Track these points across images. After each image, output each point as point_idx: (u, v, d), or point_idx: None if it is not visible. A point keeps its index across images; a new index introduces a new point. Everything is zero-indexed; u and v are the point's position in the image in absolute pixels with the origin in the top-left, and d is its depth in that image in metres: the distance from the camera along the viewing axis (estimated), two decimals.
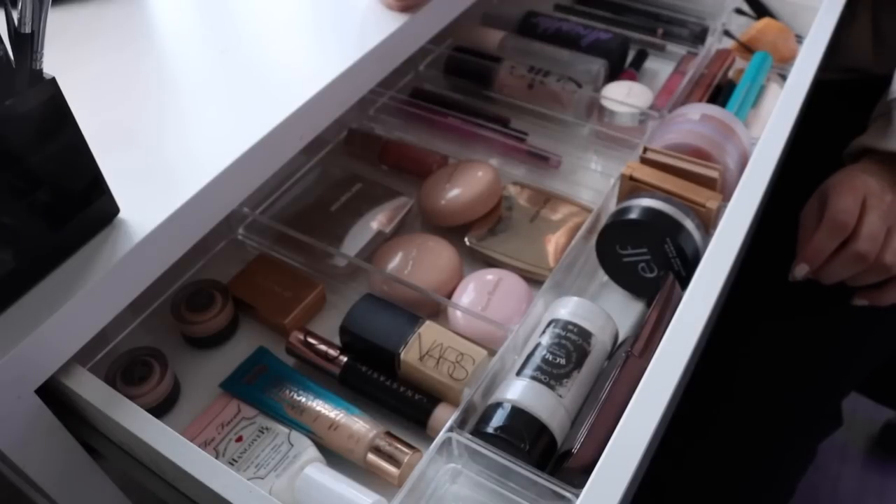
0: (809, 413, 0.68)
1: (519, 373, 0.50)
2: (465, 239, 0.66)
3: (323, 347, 0.57)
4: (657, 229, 0.56)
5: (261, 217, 0.66)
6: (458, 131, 0.77)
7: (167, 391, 0.55)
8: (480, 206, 0.67)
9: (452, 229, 0.67)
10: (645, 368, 0.45)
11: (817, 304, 0.67)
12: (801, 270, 0.65)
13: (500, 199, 0.68)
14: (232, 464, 0.51)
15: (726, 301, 0.57)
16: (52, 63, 0.43)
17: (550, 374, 0.49)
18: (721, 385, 0.67)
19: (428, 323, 0.55)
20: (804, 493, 0.75)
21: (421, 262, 0.62)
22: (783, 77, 0.72)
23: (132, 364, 0.55)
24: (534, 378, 0.49)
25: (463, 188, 0.67)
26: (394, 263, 0.62)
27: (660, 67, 0.84)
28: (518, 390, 0.49)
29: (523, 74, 0.77)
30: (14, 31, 0.41)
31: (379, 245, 0.65)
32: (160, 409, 0.55)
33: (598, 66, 0.78)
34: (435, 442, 0.47)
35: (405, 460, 0.50)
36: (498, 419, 0.48)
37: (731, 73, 0.77)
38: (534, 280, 0.62)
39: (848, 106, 0.78)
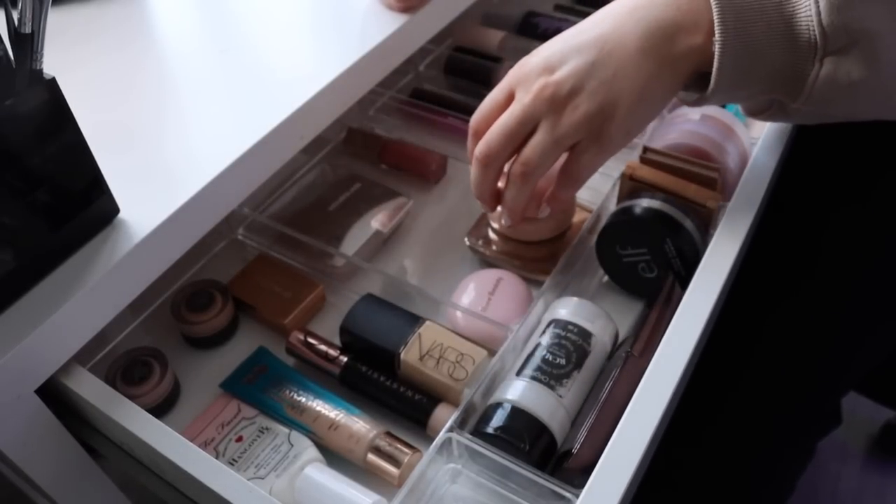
0: (808, 412, 0.68)
1: (519, 373, 0.50)
2: (465, 239, 0.66)
3: (323, 347, 0.57)
4: (657, 229, 0.56)
5: (261, 217, 0.66)
6: (458, 131, 0.76)
7: (167, 391, 0.55)
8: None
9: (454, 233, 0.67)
10: (645, 368, 0.45)
11: (817, 304, 0.67)
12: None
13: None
14: (232, 464, 0.51)
15: (726, 301, 0.57)
16: (52, 63, 0.43)
17: (550, 375, 0.49)
18: (720, 384, 0.67)
19: (428, 323, 0.55)
20: (804, 492, 0.75)
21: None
22: None
23: (132, 364, 0.55)
24: (534, 378, 0.49)
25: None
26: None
27: None
28: (518, 390, 0.49)
29: None
30: (14, 31, 0.41)
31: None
32: (160, 409, 0.55)
33: None
34: (435, 442, 0.47)
35: (405, 460, 0.50)
36: (498, 419, 0.48)
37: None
38: (534, 280, 0.62)
39: None
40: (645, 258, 0.58)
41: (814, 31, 0.44)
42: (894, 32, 0.44)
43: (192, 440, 0.45)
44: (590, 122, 0.50)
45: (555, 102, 0.51)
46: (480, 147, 0.54)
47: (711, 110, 0.64)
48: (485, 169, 0.55)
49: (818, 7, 0.44)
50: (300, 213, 0.69)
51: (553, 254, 0.63)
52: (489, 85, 0.79)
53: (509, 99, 0.54)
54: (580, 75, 0.50)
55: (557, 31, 0.82)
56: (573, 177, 0.54)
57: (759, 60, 0.47)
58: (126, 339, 0.60)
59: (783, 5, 0.45)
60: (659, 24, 0.49)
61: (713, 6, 0.46)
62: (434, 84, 0.83)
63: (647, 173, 0.59)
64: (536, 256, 0.63)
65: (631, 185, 0.60)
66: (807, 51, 0.45)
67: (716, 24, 0.46)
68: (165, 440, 0.44)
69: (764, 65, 0.47)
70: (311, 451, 0.51)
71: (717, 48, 0.46)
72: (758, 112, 0.51)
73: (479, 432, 0.48)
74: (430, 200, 0.72)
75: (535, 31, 0.85)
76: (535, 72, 0.52)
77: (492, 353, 0.53)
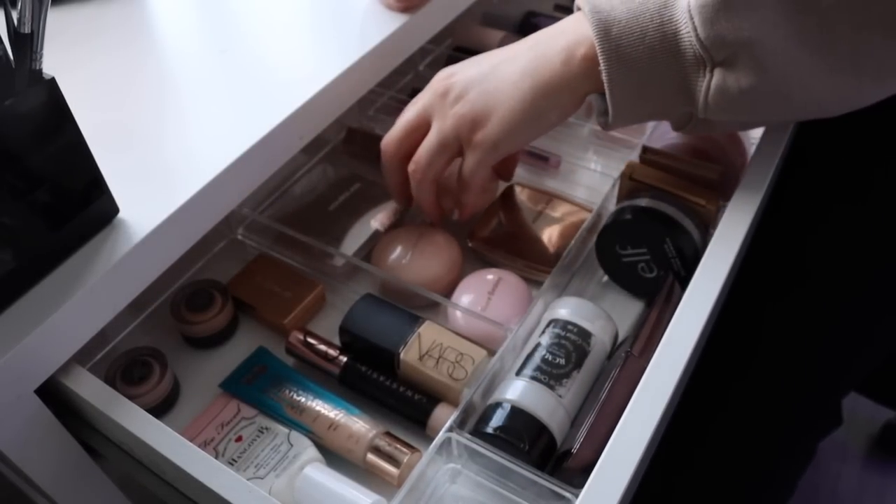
0: (809, 412, 0.68)
1: (518, 373, 0.50)
2: (467, 239, 0.66)
3: (323, 347, 0.57)
4: (657, 229, 0.56)
5: (261, 217, 0.66)
6: None
7: (167, 391, 0.55)
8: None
9: (454, 226, 0.67)
10: (645, 368, 0.45)
11: (817, 304, 0.67)
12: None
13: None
14: (231, 464, 0.51)
15: (726, 300, 0.57)
16: (52, 63, 0.43)
17: (550, 375, 0.49)
18: (720, 384, 0.67)
19: (427, 323, 0.55)
20: (804, 492, 0.75)
21: (421, 253, 0.62)
22: None
23: (132, 364, 0.55)
24: (533, 378, 0.49)
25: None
26: (394, 254, 0.62)
27: None
28: (518, 390, 0.49)
29: None
30: (14, 31, 0.41)
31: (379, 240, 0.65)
32: (160, 409, 0.55)
33: None
34: (434, 442, 0.47)
35: (405, 460, 0.50)
36: (497, 419, 0.48)
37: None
38: (534, 280, 0.62)
39: None
40: (645, 258, 0.58)
41: (696, 45, 0.46)
42: (771, 37, 0.45)
43: (191, 440, 0.45)
44: (462, 126, 0.54)
45: (443, 102, 0.55)
46: (384, 139, 0.60)
47: None
48: (385, 161, 0.60)
49: (693, 23, 0.46)
50: (300, 213, 0.69)
51: (555, 254, 0.63)
52: None
53: None
54: (469, 83, 0.54)
55: None
56: (461, 180, 0.58)
57: (649, 81, 0.49)
58: (126, 339, 0.60)
59: (664, 26, 0.47)
60: (545, 51, 0.52)
61: (595, 40, 0.48)
62: None
63: (647, 173, 0.59)
64: (538, 256, 0.63)
65: (631, 185, 0.60)
66: (694, 65, 0.47)
67: (599, 57, 0.48)
68: (165, 440, 0.44)
69: (655, 84, 0.49)
70: (311, 451, 0.51)
71: (604, 78, 0.49)
72: (681, 126, 0.52)
73: (478, 432, 0.48)
74: None
75: (535, 30, 0.84)
76: (441, 76, 0.57)
77: (491, 352, 0.53)
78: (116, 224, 0.49)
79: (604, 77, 0.49)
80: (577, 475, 0.43)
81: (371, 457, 0.50)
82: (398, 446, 0.50)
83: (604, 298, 0.62)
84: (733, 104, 0.48)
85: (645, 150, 0.60)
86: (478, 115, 0.53)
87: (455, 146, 0.56)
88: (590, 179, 0.73)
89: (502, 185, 0.70)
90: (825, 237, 0.67)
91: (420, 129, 0.57)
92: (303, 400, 0.54)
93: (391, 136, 0.59)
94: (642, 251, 0.57)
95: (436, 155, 0.56)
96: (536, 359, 0.50)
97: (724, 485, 0.66)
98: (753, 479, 0.66)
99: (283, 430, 0.53)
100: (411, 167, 0.58)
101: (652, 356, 0.45)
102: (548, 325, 0.53)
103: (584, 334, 0.52)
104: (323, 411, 0.53)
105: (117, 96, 0.60)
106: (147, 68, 0.63)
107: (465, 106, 0.54)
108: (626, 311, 0.61)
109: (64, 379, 0.47)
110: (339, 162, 0.75)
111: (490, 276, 0.61)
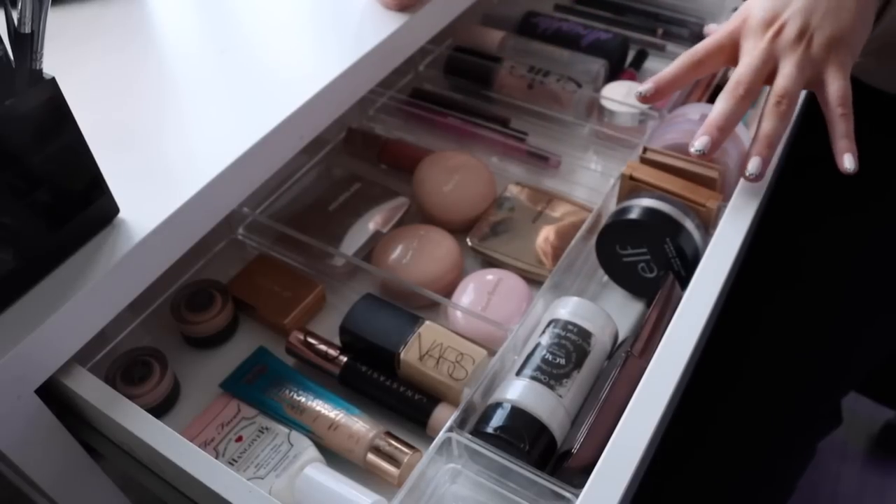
0: (808, 412, 0.68)
1: (519, 373, 0.50)
2: (467, 239, 0.66)
3: (323, 347, 0.57)
4: (657, 229, 0.56)
5: (261, 217, 0.66)
6: (458, 131, 0.77)
7: (167, 391, 0.55)
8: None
9: (455, 227, 0.67)
10: (645, 368, 0.45)
11: (813, 305, 0.67)
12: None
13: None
14: (232, 464, 0.51)
15: (726, 300, 0.57)
16: (52, 63, 0.43)
17: (550, 374, 0.49)
18: (719, 383, 0.67)
19: (428, 323, 0.55)
20: (804, 492, 0.75)
21: (421, 253, 0.62)
22: None
23: (132, 364, 0.55)
24: (533, 378, 0.49)
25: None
26: (395, 254, 0.62)
27: (660, 67, 0.83)
28: (518, 390, 0.49)
29: (523, 74, 0.77)
30: (14, 31, 0.41)
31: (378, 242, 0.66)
32: (160, 409, 0.55)
33: (597, 66, 0.78)
34: (435, 442, 0.47)
35: (405, 460, 0.50)
36: (498, 419, 0.48)
37: (730, 74, 0.77)
38: (534, 280, 0.62)
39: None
40: (645, 258, 0.58)
41: None
42: None
43: (191, 440, 0.45)
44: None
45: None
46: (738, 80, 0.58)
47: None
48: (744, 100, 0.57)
49: None
50: (300, 213, 0.69)
51: (554, 254, 0.63)
52: (489, 85, 0.79)
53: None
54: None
55: (557, 31, 0.83)
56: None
57: None
58: (126, 339, 0.60)
59: None
60: None
61: None
62: (434, 84, 0.83)
63: (647, 173, 0.59)
64: (537, 256, 0.63)
65: (631, 185, 0.60)
66: None
67: None
68: (165, 440, 0.44)
69: None
70: (311, 451, 0.51)
71: None
72: None
73: (478, 432, 0.48)
74: None
75: (535, 31, 0.85)
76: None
77: (491, 352, 0.53)
78: (116, 224, 0.49)
79: None
80: (578, 475, 0.43)
81: (371, 457, 0.50)
82: (398, 446, 0.50)
83: (604, 298, 0.62)
84: None
85: (645, 150, 0.60)
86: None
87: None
88: (590, 179, 0.73)
89: (501, 186, 0.70)
90: (820, 233, 0.67)
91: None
92: (303, 400, 0.54)
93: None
94: (642, 251, 0.57)
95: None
96: (536, 359, 0.50)
97: (724, 484, 0.66)
98: (752, 478, 0.66)
99: (283, 430, 0.53)
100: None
101: (652, 356, 0.45)
102: (548, 325, 0.53)
103: (584, 334, 0.52)
104: (323, 411, 0.53)
105: (117, 96, 0.60)
106: (147, 68, 0.63)
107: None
108: (626, 311, 0.61)
109: (64, 379, 0.47)
110: (339, 162, 0.75)
111: (490, 276, 0.61)
